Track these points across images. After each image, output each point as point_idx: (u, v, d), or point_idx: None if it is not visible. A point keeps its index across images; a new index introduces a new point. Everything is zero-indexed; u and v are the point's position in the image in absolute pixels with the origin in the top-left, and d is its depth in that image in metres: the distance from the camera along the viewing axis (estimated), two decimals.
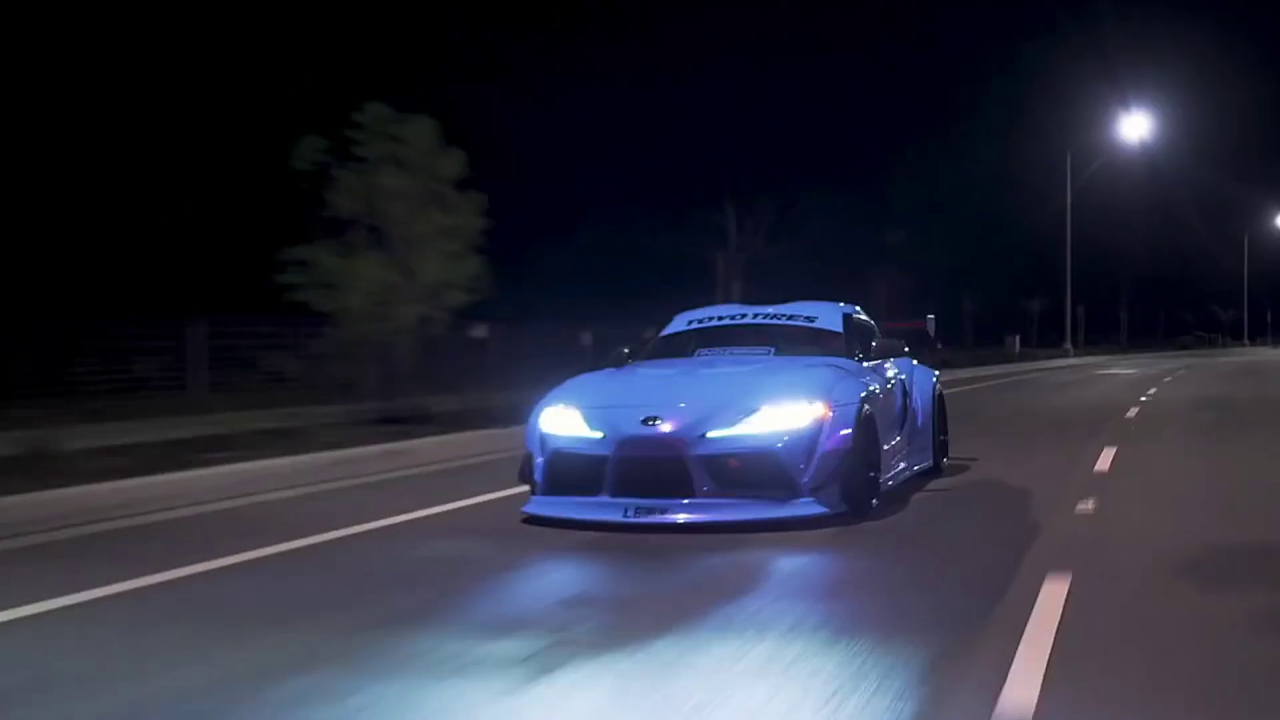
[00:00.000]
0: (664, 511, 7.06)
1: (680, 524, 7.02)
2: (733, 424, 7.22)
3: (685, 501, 7.10)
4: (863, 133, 68.18)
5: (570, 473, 7.41)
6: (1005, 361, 43.05)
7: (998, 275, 60.66)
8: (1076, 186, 51.30)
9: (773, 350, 8.79)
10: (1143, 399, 21.08)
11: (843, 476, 7.26)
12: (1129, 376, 32.34)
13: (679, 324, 9.42)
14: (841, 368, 8.14)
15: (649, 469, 7.17)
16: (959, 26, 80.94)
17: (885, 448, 8.21)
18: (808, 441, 7.19)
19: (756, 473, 7.16)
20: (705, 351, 8.92)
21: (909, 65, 77.88)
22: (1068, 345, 53.61)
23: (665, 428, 7.22)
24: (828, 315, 9.14)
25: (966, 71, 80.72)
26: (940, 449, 10.04)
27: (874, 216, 47.79)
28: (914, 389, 9.57)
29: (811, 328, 9.00)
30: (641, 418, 7.28)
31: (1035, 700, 3.90)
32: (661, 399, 7.51)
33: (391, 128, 13.74)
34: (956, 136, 56.26)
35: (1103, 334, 71.82)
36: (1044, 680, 4.10)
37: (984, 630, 4.82)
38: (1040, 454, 11.91)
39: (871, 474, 7.69)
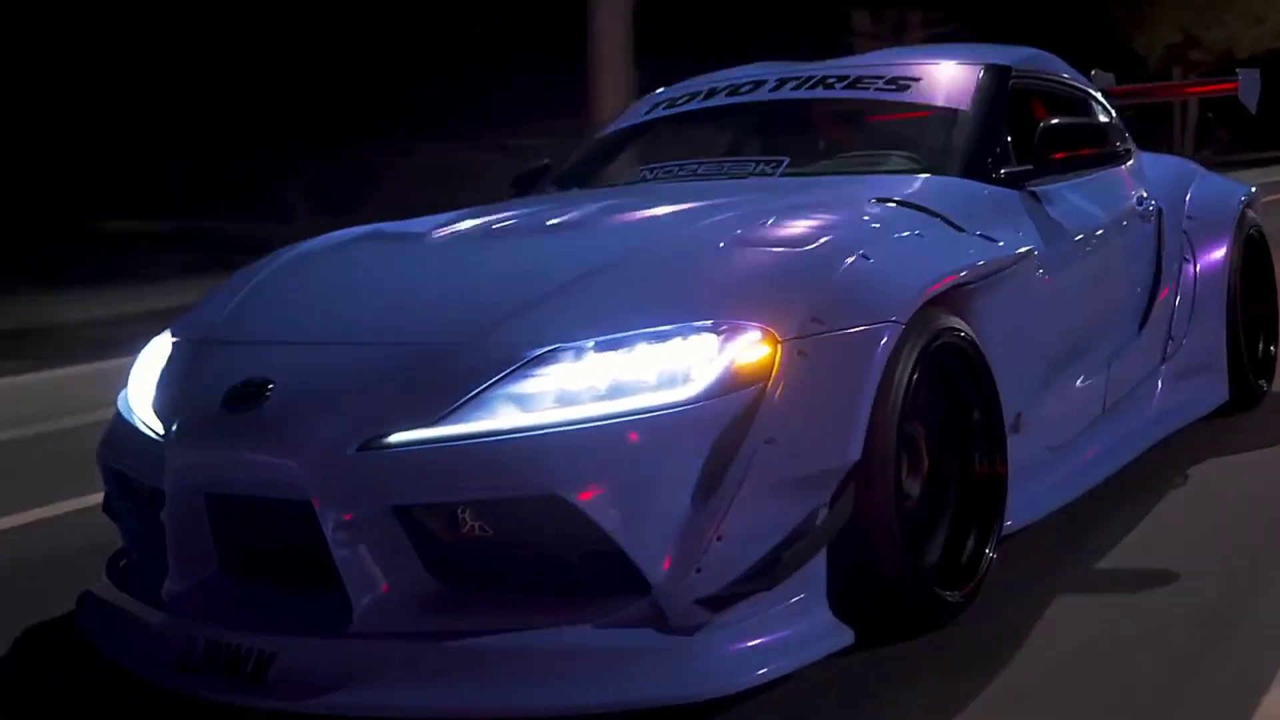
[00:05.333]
0: (260, 670, 2.21)
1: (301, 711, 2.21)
2: (461, 402, 2.24)
3: (316, 643, 2.26)
4: None
5: (134, 521, 2.86)
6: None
7: None
8: None
9: (783, 164, 3.61)
10: None
11: (833, 551, 2.35)
12: None
13: (634, 114, 4.40)
14: (910, 206, 2.98)
15: (238, 532, 2.47)
16: None
17: (1043, 414, 3.16)
18: (687, 452, 2.19)
19: (525, 550, 2.28)
20: (651, 171, 3.88)
21: None
22: None
23: (276, 417, 2.35)
24: (942, 78, 3.83)
25: None
26: (1256, 357, 4.52)
27: None
28: (1172, 231, 4.25)
29: (899, 102, 3.81)
30: (230, 386, 2.44)
31: None
32: (329, 323, 2.69)
33: None
34: None
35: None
36: None
37: None
38: None
39: (948, 535, 2.68)
